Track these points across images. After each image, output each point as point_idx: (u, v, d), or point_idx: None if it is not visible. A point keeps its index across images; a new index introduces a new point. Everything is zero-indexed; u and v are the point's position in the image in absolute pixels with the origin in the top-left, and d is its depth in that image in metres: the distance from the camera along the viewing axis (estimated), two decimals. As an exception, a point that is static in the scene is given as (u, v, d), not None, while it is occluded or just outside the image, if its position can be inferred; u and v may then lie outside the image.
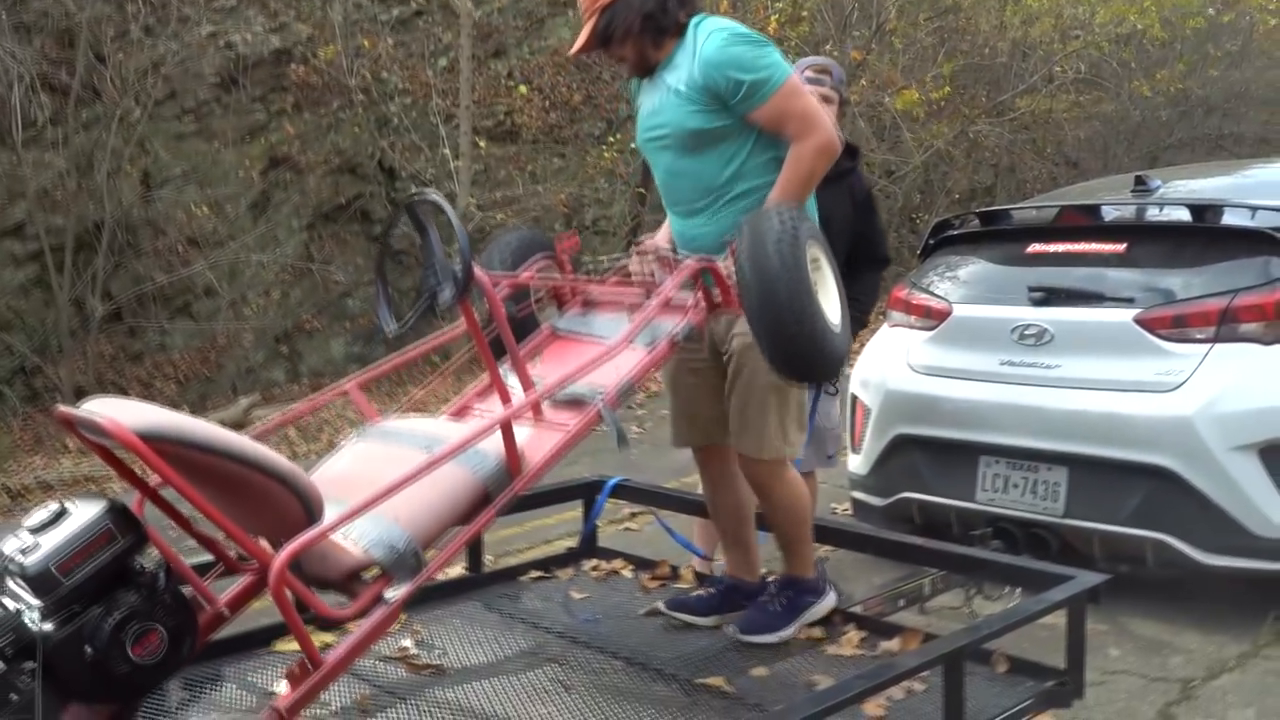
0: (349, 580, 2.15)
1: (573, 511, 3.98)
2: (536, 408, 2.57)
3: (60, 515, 1.93)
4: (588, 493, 3.84)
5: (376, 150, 11.31)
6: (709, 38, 2.79)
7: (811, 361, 2.50)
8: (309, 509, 2.04)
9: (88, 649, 1.86)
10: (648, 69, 2.90)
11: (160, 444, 1.86)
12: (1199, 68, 16.85)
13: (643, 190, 11.92)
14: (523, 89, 11.94)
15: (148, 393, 9.46)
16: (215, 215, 10.17)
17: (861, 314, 3.97)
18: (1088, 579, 2.69)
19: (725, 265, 2.63)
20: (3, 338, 9.11)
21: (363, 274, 11.39)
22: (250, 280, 10.41)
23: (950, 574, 3.63)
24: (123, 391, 9.04)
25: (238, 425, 8.71)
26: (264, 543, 2.11)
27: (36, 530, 1.91)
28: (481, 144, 11.21)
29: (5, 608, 1.88)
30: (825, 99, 3.89)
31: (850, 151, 4.11)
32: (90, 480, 7.36)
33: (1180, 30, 15.35)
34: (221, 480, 1.97)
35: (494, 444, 2.35)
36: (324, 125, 11.10)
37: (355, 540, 2.17)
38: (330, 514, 2.07)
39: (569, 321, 2.98)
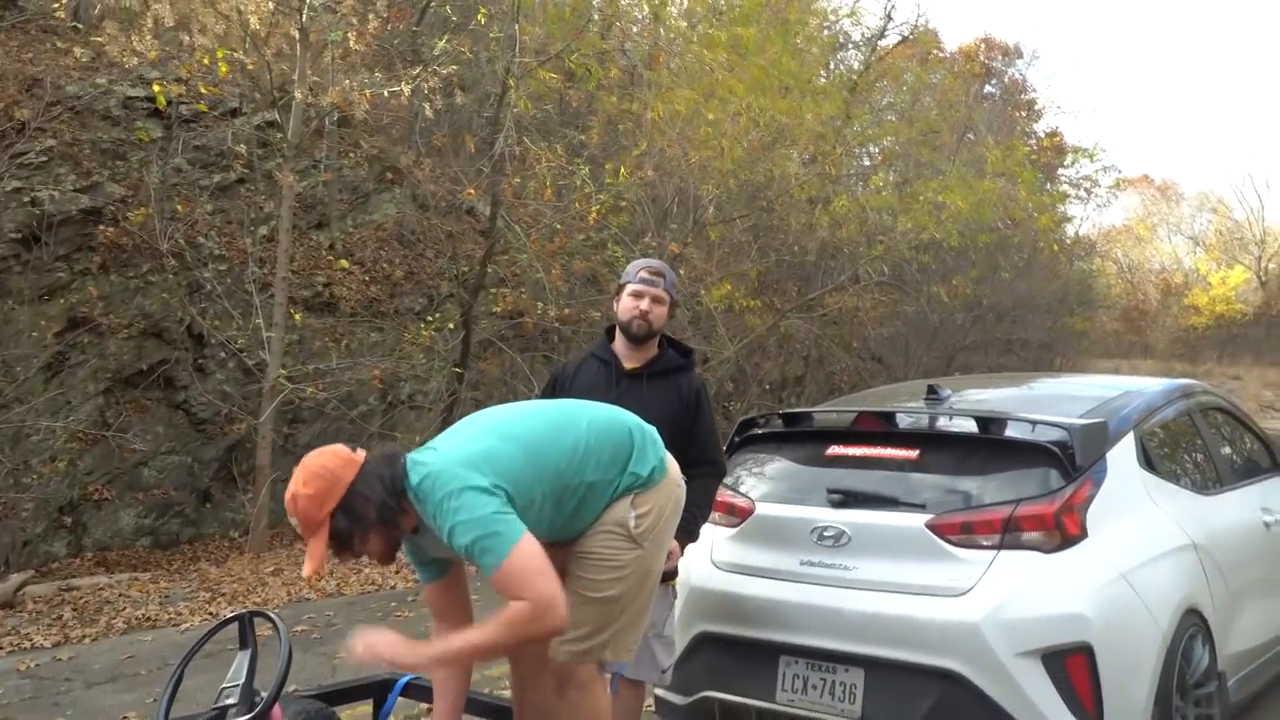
0: None
1: (363, 707, 3.77)
2: None
3: None
4: (378, 691, 3.65)
5: (186, 316, 10.97)
6: (453, 532, 2.77)
7: None
8: None
9: None
10: (396, 547, 2.90)
11: None
12: (990, 277, 18.17)
13: (459, 369, 11.90)
14: (343, 262, 11.88)
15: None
16: (2, 377, 9.60)
17: (692, 524, 3.88)
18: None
19: None
20: None
21: (161, 442, 10.88)
22: (36, 446, 9.79)
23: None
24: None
25: (7, 605, 8.01)
26: None
27: None
28: (297, 315, 11.03)
29: None
30: (657, 300, 3.99)
31: (684, 351, 4.21)
32: None
33: (974, 241, 16.58)
34: None
35: None
36: (131, 288, 10.73)
37: None
38: None
39: None
